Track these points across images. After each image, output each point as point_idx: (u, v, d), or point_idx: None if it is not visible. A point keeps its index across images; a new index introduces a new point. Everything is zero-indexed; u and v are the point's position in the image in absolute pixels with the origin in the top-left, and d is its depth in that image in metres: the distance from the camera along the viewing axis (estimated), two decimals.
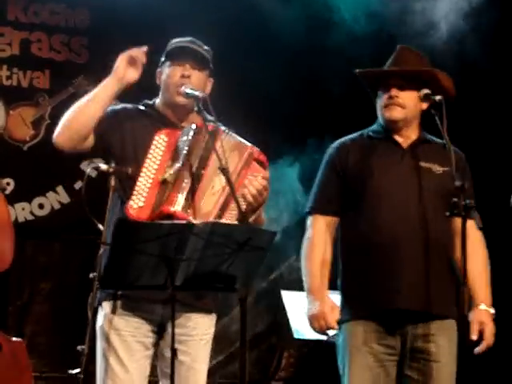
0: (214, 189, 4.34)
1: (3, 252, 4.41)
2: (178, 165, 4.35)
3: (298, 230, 5.22)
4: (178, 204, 4.27)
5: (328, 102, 8.28)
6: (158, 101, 4.65)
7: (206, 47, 4.65)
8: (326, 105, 8.31)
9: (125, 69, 4.42)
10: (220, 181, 4.30)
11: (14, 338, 4.46)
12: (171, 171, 4.34)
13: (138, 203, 4.28)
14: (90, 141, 4.40)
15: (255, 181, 4.38)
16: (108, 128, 4.44)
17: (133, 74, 4.45)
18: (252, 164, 4.43)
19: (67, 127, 4.40)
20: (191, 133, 4.40)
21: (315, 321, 4.60)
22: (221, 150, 4.34)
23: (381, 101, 4.73)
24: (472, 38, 7.33)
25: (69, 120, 4.39)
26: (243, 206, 4.30)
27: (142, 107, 4.66)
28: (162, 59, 4.65)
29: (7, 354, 4.41)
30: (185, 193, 4.32)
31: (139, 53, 4.46)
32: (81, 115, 4.36)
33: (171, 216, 4.21)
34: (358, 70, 4.87)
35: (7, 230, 4.40)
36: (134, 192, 4.30)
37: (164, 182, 4.32)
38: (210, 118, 4.40)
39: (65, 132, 4.41)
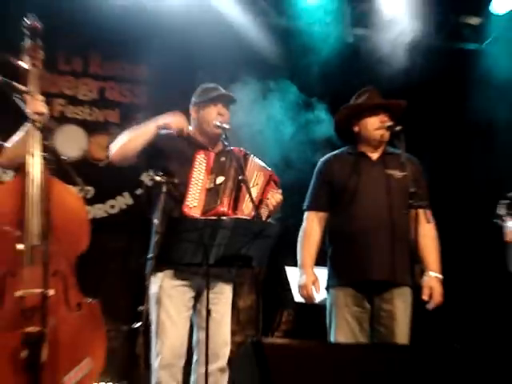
0: (249, 196, 4.28)
1: (82, 239, 4.40)
2: (222, 178, 4.37)
3: None
4: (228, 206, 4.29)
5: None
6: (192, 129, 4.54)
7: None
8: None
9: (173, 125, 4.37)
10: (249, 193, 4.27)
11: (91, 299, 4.45)
12: (216, 182, 4.35)
13: (193, 203, 4.29)
14: (136, 159, 4.41)
15: (276, 195, 4.43)
16: (157, 148, 4.40)
17: (175, 130, 4.39)
18: (271, 183, 4.46)
19: (122, 148, 4.43)
20: (226, 153, 4.40)
21: (301, 290, 4.59)
22: (251, 168, 4.43)
23: (372, 124, 4.60)
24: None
25: (123, 144, 4.41)
26: (265, 212, 4.38)
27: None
28: (196, 100, 4.58)
29: (86, 311, 4.39)
30: (230, 198, 4.33)
31: (185, 127, 4.43)
32: (132, 142, 4.38)
33: (224, 214, 4.23)
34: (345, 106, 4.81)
35: (84, 222, 4.40)
36: (189, 196, 4.30)
37: (210, 189, 4.33)
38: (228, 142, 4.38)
39: (119, 152, 4.44)
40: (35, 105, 4.24)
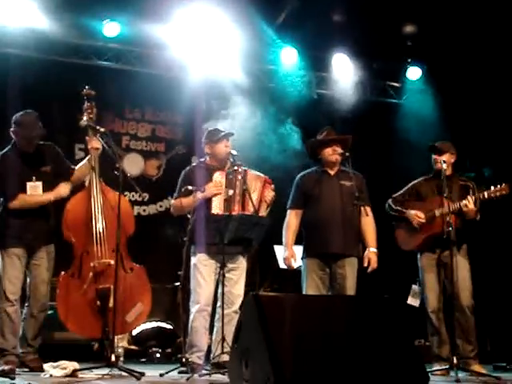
0: (252, 200, 4.23)
1: (128, 227, 4.41)
2: (232, 191, 4.29)
3: None
4: (238, 210, 4.23)
5: None
6: (207, 158, 4.44)
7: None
8: None
9: (207, 195, 4.25)
10: (254, 196, 4.25)
11: (139, 265, 4.44)
12: (229, 194, 4.26)
13: (217, 211, 4.23)
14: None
15: (269, 193, 4.36)
16: (191, 181, 4.31)
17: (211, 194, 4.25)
18: (266, 185, 4.38)
19: (176, 211, 4.40)
20: (233, 173, 4.32)
21: (285, 260, 4.57)
22: (250, 179, 4.33)
23: (328, 152, 4.54)
24: None
25: (177, 209, 4.37)
26: (264, 206, 4.32)
27: (197, 163, 4.50)
28: (207, 140, 4.42)
29: (136, 273, 4.39)
30: (239, 204, 4.26)
31: (220, 189, 4.27)
32: (184, 209, 4.33)
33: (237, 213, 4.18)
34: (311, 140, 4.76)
35: (129, 216, 4.39)
36: (214, 203, 4.24)
37: (227, 199, 4.26)
38: (238, 162, 4.31)
39: (175, 213, 4.41)
40: (93, 142, 4.34)
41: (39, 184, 4.22)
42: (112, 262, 4.16)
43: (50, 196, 4.21)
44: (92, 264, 4.20)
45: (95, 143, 4.32)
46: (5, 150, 4.26)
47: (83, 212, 4.28)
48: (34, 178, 4.22)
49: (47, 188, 4.25)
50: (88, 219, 4.24)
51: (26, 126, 4.17)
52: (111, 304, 4.12)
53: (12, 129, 4.22)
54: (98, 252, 4.21)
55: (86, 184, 4.45)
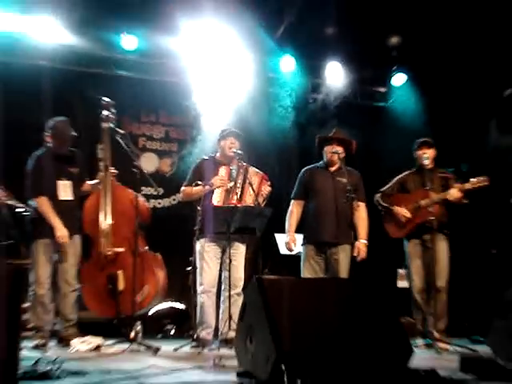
0: (250, 193, 4.29)
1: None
2: (232, 183, 4.32)
3: None
4: (236, 200, 4.26)
5: None
6: (218, 154, 4.45)
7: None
8: None
9: (213, 187, 4.26)
10: (251, 190, 4.27)
11: (147, 251, 4.48)
12: (230, 185, 4.30)
13: (217, 200, 4.25)
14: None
15: (266, 188, 4.38)
16: (200, 172, 4.36)
17: (216, 186, 4.28)
18: (263, 181, 4.39)
19: (184, 198, 4.43)
20: (236, 168, 4.35)
21: (286, 245, 4.55)
22: (251, 174, 4.34)
23: (327, 150, 4.53)
24: None
25: (187, 196, 4.39)
26: (261, 199, 4.32)
27: (209, 157, 4.47)
28: (218, 137, 4.45)
29: (144, 259, 4.45)
30: (237, 195, 4.29)
31: (224, 183, 4.28)
32: (190, 197, 4.36)
33: (234, 204, 4.19)
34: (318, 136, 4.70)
35: (134, 207, 4.41)
36: (215, 195, 4.26)
37: (227, 190, 4.29)
38: (241, 159, 4.32)
39: (184, 199, 4.45)
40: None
41: (69, 183, 4.33)
42: (120, 249, 4.29)
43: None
44: (100, 253, 4.34)
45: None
46: (40, 152, 4.34)
47: (96, 208, 4.46)
48: (64, 177, 4.32)
49: (72, 186, 4.35)
50: (99, 211, 4.42)
51: (60, 130, 4.28)
52: (121, 287, 4.21)
53: (46, 133, 4.31)
54: (105, 243, 4.36)
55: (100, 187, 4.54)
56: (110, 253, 4.38)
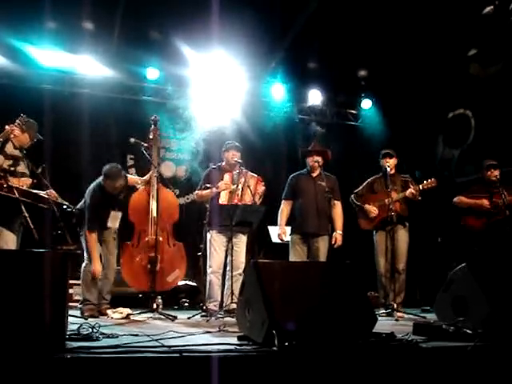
0: (248, 193, 4.28)
1: (174, 215, 4.43)
2: (234, 186, 4.32)
3: None
4: (238, 200, 4.24)
5: None
6: (223, 163, 4.42)
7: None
8: None
9: (219, 190, 4.25)
10: (249, 191, 4.27)
11: (178, 242, 4.44)
12: (233, 188, 4.30)
13: (223, 200, 4.26)
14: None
15: (260, 188, 4.36)
16: (209, 178, 4.32)
17: (221, 189, 4.24)
18: (258, 182, 4.38)
19: (198, 199, 4.40)
20: (237, 174, 4.35)
21: (278, 236, 4.57)
22: (248, 178, 4.34)
23: (309, 160, 4.57)
24: None
25: (200, 198, 4.35)
26: (257, 197, 4.30)
27: (216, 166, 4.43)
28: (223, 149, 4.42)
29: (176, 247, 4.38)
30: (238, 196, 4.28)
31: (228, 186, 4.25)
32: (202, 198, 4.34)
33: (236, 203, 4.18)
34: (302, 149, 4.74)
35: (175, 207, 4.40)
36: (221, 196, 4.25)
37: (231, 192, 4.29)
38: (241, 167, 4.33)
39: (198, 200, 4.41)
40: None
41: (119, 214, 4.18)
42: (161, 238, 4.24)
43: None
44: (146, 239, 4.25)
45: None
46: (98, 183, 4.07)
47: (142, 202, 4.34)
48: (116, 207, 4.15)
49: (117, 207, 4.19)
50: (146, 207, 4.31)
51: (111, 177, 4.02)
52: (158, 268, 4.19)
53: (102, 178, 4.07)
54: (151, 230, 4.25)
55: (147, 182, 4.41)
56: (152, 240, 4.28)
